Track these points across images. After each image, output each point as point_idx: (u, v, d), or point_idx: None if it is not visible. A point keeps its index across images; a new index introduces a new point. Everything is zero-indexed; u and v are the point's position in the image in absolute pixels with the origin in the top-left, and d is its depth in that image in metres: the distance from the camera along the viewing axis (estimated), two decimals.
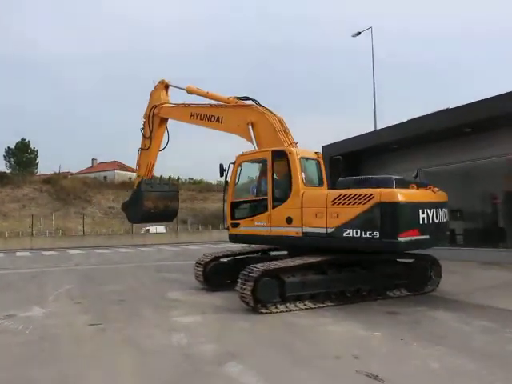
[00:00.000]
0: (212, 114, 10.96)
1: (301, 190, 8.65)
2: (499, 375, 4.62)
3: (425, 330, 6.34)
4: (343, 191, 8.06)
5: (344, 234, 7.83)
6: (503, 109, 11.54)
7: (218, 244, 26.41)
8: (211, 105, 11.28)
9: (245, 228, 9.53)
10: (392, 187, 7.75)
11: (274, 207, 8.94)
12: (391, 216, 7.45)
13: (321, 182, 9.46)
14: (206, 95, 11.55)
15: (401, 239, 7.43)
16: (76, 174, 61.75)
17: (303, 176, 8.82)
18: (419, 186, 8.35)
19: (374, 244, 7.55)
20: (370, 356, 5.25)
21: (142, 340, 5.98)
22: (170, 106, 12.26)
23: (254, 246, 12.12)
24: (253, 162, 9.86)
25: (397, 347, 5.59)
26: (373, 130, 20.75)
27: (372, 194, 7.58)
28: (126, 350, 5.59)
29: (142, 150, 12.66)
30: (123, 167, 67.63)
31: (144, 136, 12.55)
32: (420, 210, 7.72)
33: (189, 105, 11.66)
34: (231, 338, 6.13)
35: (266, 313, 7.43)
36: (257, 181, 9.95)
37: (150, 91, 12.60)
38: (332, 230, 8.00)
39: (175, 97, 12.56)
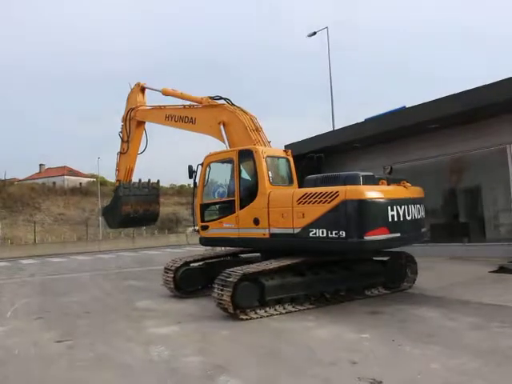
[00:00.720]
0: (186, 115, 10.69)
1: (267, 189, 8.32)
2: (502, 372, 4.48)
3: (413, 330, 6.15)
4: (308, 190, 7.76)
5: (310, 234, 7.50)
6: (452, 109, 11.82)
7: (177, 248, 25.79)
8: (185, 106, 10.99)
9: (214, 230, 9.20)
10: (359, 184, 7.44)
11: (241, 208, 8.62)
12: (357, 214, 7.13)
13: (290, 181, 9.15)
14: (181, 96, 11.23)
15: (367, 238, 7.09)
16: (23, 180, 59.04)
17: (270, 175, 8.53)
18: (391, 182, 8.06)
19: (340, 244, 7.24)
20: (367, 360, 5.00)
21: (118, 356, 5.49)
22: (146, 108, 12.03)
23: (219, 249, 11.89)
24: (221, 162, 9.52)
25: (390, 349, 5.38)
26: (335, 129, 20.86)
27: (337, 192, 7.24)
28: (102, 369, 5.07)
29: (120, 153, 12.35)
30: (73, 172, 65.40)
31: (122, 140, 12.27)
32: (389, 207, 7.38)
33: (164, 107, 11.43)
34: (216, 348, 5.73)
35: (246, 319, 7.07)
36: (224, 182, 9.62)
37: (128, 94, 12.35)
38: (298, 230, 7.67)
39: (154, 100, 12.36)
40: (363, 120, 23.73)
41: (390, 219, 7.36)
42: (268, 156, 8.70)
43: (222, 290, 7.15)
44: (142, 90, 12.30)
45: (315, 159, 9.54)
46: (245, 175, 8.95)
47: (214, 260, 9.80)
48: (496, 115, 11.86)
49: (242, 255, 9.92)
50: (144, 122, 12.11)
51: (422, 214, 8.37)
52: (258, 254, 9.50)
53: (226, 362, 5.07)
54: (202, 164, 9.45)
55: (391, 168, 8.94)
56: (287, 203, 7.89)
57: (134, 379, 4.68)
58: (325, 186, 7.66)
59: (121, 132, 12.30)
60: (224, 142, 9.67)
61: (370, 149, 15.60)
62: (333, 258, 8.26)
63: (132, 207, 11.96)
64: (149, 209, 12.37)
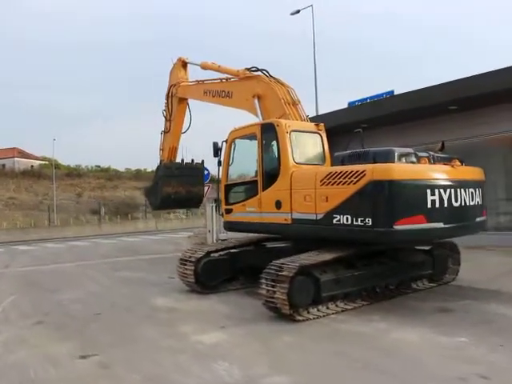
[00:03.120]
0: (223, 89, 9.81)
1: (290, 168, 7.23)
2: None
3: (508, 331, 5.27)
4: (333, 168, 6.73)
5: (334, 221, 6.43)
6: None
7: (152, 235, 24.18)
8: (221, 79, 10.04)
9: (238, 214, 8.16)
10: (393, 161, 6.26)
11: (263, 189, 7.52)
12: (386, 198, 5.99)
13: (322, 160, 8.01)
14: (218, 69, 10.31)
15: (398, 228, 5.93)
16: None
17: (295, 152, 7.45)
18: (437, 160, 6.82)
19: (366, 234, 6.12)
20: (497, 374, 4.06)
21: (175, 376, 4.25)
22: (187, 84, 11.23)
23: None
24: (245, 138, 8.35)
25: (510, 358, 4.41)
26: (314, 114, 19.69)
27: (364, 171, 6.09)
28: None
29: (164, 132, 11.71)
30: (24, 154, 61.56)
31: (165, 118, 11.60)
32: (428, 191, 6.14)
33: (202, 81, 10.65)
34: (292, 361, 4.57)
35: (303, 320, 5.94)
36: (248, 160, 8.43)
37: (170, 70, 11.61)
38: (321, 216, 6.60)
39: (196, 75, 11.41)
40: (347, 104, 23.18)
41: (429, 205, 6.13)
42: (293, 130, 7.59)
43: (273, 287, 5.96)
44: (184, 65, 11.55)
45: (361, 134, 8.37)
46: (268, 152, 7.83)
47: (238, 250, 8.55)
48: None
49: (268, 244, 8.72)
50: (186, 99, 11.37)
51: (479, 199, 7.09)
52: (285, 244, 8.39)
53: (320, 381, 3.92)
54: (226, 141, 8.33)
55: (443, 144, 7.75)
56: (310, 184, 6.80)
57: None
58: (352, 164, 6.55)
59: (164, 110, 11.63)
60: (258, 116, 8.55)
61: (416, 124, 13.53)
62: (378, 248, 7.20)
63: (173, 188, 11.38)
64: (191, 190, 11.73)
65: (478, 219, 7.23)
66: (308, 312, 6.16)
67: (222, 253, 8.41)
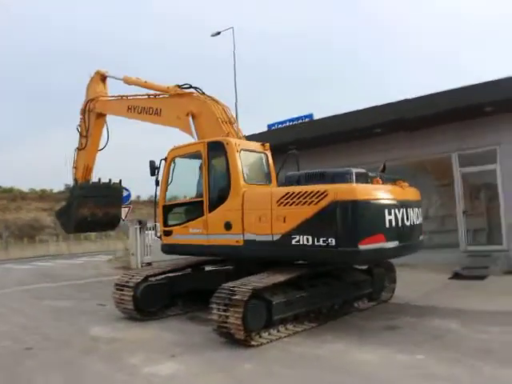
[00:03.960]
0: (150, 105, 9.34)
1: (241, 188, 7.10)
2: None
3: (460, 346, 5.47)
4: (290, 188, 6.64)
5: (293, 242, 6.37)
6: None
7: (68, 259, 22.59)
8: (149, 95, 9.56)
9: (179, 237, 7.78)
10: (352, 182, 6.35)
11: (210, 210, 7.31)
12: (350, 218, 6.04)
13: (268, 179, 7.96)
14: (145, 85, 9.84)
15: (362, 247, 6.00)
16: None
17: (245, 171, 7.34)
18: (385, 181, 7.06)
19: (329, 254, 6.13)
20: None
21: None
22: (107, 99, 10.60)
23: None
24: (187, 156, 8.11)
25: (472, 373, 4.59)
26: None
27: (325, 191, 6.12)
28: None
29: (78, 149, 10.88)
30: None
31: (80, 134, 10.85)
32: (386, 211, 6.35)
33: (126, 97, 10.02)
34: None
35: (257, 345, 5.76)
36: (190, 179, 8.21)
37: (86, 84, 10.97)
38: (278, 237, 6.52)
39: (116, 89, 10.85)
40: (266, 127, 23.51)
41: (387, 224, 6.33)
42: (243, 149, 7.48)
43: (226, 311, 5.73)
44: (103, 79, 10.95)
45: (296, 155, 8.37)
46: (215, 172, 7.62)
47: (176, 273, 8.17)
48: None
49: (206, 267, 8.45)
50: (105, 115, 10.74)
51: (420, 219, 7.54)
52: (224, 267, 8.21)
53: None
54: (165, 159, 8.02)
55: (384, 165, 8.04)
56: (265, 205, 6.71)
57: None
58: (310, 184, 6.58)
59: (79, 126, 10.89)
60: (193, 135, 8.37)
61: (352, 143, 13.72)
62: (325, 268, 7.26)
63: (89, 210, 10.61)
64: (109, 212, 11.01)
65: (420, 238, 7.58)
66: (260, 336, 5.98)
67: (159, 277, 8.01)
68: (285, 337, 6.12)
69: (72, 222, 10.67)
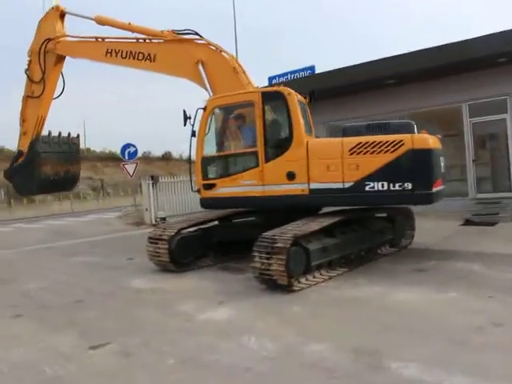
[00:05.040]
0: (139, 50, 8.81)
1: (304, 138, 7.26)
2: None
3: (487, 284, 5.83)
4: (362, 138, 6.94)
5: (367, 188, 6.79)
6: None
7: (75, 217, 22.68)
8: (138, 39, 8.94)
9: (224, 189, 7.73)
10: (413, 132, 6.99)
11: (267, 161, 7.36)
12: (425, 165, 6.69)
13: (310, 130, 8.02)
14: (129, 27, 8.98)
15: (433, 190, 6.78)
16: None
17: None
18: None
19: (406, 197, 6.74)
20: (506, 320, 4.49)
21: (211, 357, 4.10)
22: (74, 40, 9.61)
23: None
24: (233, 106, 7.96)
25: (510, 308, 4.90)
26: None
27: (401, 141, 6.65)
28: (224, 379, 3.70)
29: (27, 97, 9.75)
30: None
31: (31, 80, 9.67)
32: (441, 158, 7.22)
33: (102, 39, 9.19)
34: (319, 329, 4.65)
35: (298, 290, 6.08)
36: (234, 130, 8.18)
37: (39, 20, 9.72)
38: (350, 184, 6.89)
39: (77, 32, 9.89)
40: (267, 79, 23.20)
41: (443, 170, 7.27)
42: (298, 101, 7.53)
43: (268, 259, 5.99)
44: (61, 16, 9.77)
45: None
46: (272, 122, 7.69)
47: (208, 225, 8.41)
48: None
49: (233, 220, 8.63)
50: (64, 58, 9.76)
51: None
52: (251, 218, 8.38)
53: (366, 344, 4.07)
54: (204, 108, 7.77)
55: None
56: (335, 154, 6.96)
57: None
58: (373, 134, 6.92)
59: (28, 70, 9.72)
60: (203, 84, 8.16)
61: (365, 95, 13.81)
62: (361, 215, 7.70)
63: (52, 168, 9.90)
64: (69, 170, 10.36)
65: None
66: (299, 282, 6.29)
67: (191, 229, 8.24)
68: (321, 282, 6.44)
69: (35, 182, 9.86)
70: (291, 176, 7.22)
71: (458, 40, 11.08)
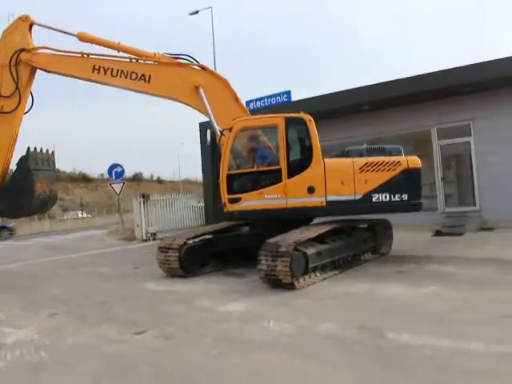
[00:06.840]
0: (133, 70, 8.95)
1: (321, 158, 8.49)
2: None
3: (460, 281, 6.85)
4: (369, 159, 8.59)
5: (373, 199, 8.39)
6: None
7: (60, 235, 22.97)
8: (131, 59, 9.18)
9: (249, 202, 8.51)
10: (401, 155, 8.70)
11: (289, 177, 8.41)
12: (417, 180, 8.58)
13: None
14: (117, 47, 9.03)
15: (421, 200, 8.66)
16: None
17: None
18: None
19: (403, 206, 8.51)
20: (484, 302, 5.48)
21: (243, 335, 4.97)
22: (54, 53, 9.18)
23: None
24: (258, 128, 8.98)
25: (480, 296, 5.92)
26: None
27: (399, 161, 8.48)
28: (260, 352, 4.58)
29: None
30: None
31: None
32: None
33: (87, 55, 9.07)
34: (328, 314, 5.53)
35: (299, 288, 7.01)
36: (257, 149, 8.98)
37: (3, 30, 9.13)
38: (360, 196, 8.42)
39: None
40: (244, 103, 24.33)
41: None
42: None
43: (274, 261, 6.93)
44: (30, 27, 9.24)
45: None
46: (293, 143, 8.74)
47: (210, 236, 9.29)
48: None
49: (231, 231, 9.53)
50: (35, 71, 9.21)
51: None
52: (247, 230, 9.36)
53: (367, 323, 5.02)
54: (229, 129, 8.50)
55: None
56: (347, 171, 8.41)
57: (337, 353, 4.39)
58: (372, 156, 8.65)
59: None
60: (204, 109, 8.83)
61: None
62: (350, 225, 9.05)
63: (41, 186, 9.04)
64: (52, 189, 9.58)
65: None
66: (299, 282, 7.24)
67: (197, 239, 9.11)
68: (318, 281, 7.40)
69: (29, 202, 9.00)
70: (311, 190, 8.36)
71: (427, 72, 12.50)
